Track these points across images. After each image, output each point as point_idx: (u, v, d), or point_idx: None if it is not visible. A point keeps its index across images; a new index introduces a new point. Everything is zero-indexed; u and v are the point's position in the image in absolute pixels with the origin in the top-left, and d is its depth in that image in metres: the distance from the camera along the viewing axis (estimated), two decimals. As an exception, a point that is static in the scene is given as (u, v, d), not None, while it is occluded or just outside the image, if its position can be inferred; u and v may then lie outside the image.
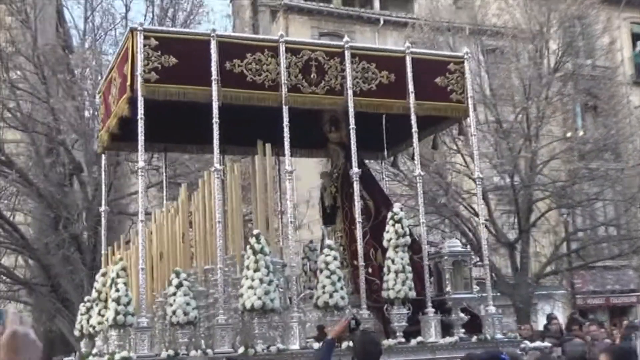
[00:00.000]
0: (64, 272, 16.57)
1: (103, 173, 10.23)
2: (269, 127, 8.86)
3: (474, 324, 9.03)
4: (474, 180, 21.41)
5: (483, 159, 21.69)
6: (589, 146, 23.28)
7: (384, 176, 11.90)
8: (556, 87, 22.63)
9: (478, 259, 21.13)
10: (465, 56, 9.62)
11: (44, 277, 17.50)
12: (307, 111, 9.23)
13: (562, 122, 23.85)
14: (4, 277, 17.69)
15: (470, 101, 9.49)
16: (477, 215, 21.41)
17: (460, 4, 26.16)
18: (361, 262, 8.58)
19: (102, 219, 9.90)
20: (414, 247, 9.09)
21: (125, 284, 7.66)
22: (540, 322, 18.54)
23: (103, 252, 9.49)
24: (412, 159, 10.32)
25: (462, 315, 8.77)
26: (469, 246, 9.51)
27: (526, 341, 9.29)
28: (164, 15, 19.02)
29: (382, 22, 31.09)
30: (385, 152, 11.03)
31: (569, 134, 23.49)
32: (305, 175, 28.46)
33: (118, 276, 7.93)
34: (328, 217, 10.07)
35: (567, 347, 11.58)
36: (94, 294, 8.82)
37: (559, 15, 22.97)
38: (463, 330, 8.76)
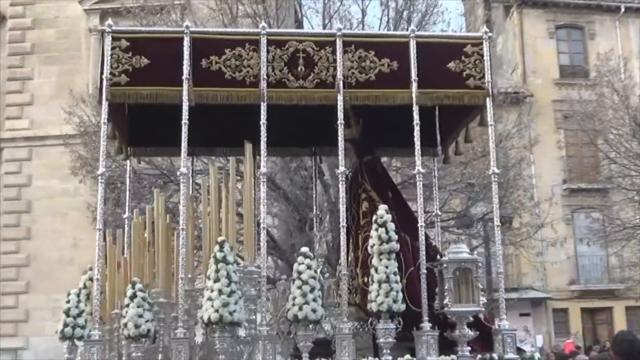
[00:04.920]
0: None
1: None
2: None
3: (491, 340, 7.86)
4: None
5: None
6: None
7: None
8: None
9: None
10: (484, 36, 8.44)
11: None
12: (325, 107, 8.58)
13: None
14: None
15: (489, 86, 8.32)
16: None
17: None
18: (344, 271, 7.73)
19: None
20: (430, 254, 8.09)
21: (78, 295, 7.38)
22: None
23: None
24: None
25: (466, 330, 7.61)
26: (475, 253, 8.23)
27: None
28: (399, 18, 18.79)
29: (622, 9, 29.33)
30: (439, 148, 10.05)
31: None
32: (546, 172, 27.42)
33: (84, 287, 7.72)
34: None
35: None
36: None
37: None
38: (469, 348, 7.61)
